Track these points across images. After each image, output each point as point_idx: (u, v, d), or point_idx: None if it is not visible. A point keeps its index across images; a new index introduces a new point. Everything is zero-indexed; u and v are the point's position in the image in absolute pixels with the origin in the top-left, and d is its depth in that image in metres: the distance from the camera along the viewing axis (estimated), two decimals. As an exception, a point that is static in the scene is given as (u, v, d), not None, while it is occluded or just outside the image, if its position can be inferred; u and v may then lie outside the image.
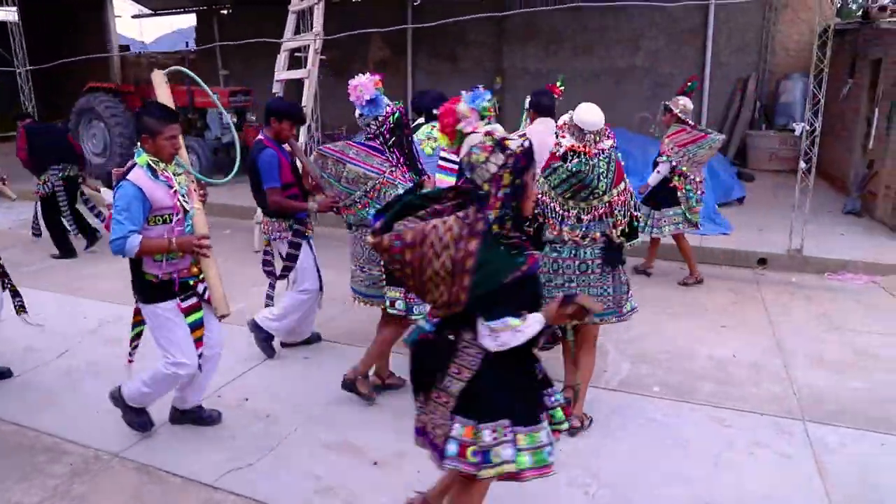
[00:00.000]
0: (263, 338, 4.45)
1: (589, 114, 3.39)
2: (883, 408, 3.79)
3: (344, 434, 3.54)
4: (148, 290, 3.21)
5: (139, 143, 3.14)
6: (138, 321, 3.40)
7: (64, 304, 5.57)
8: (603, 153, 3.40)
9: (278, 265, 4.39)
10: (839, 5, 14.68)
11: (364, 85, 3.60)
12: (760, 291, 5.93)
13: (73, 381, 4.19)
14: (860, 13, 9.83)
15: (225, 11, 16.01)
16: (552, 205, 3.45)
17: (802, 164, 6.53)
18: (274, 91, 7.57)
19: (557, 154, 3.43)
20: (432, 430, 2.32)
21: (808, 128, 6.50)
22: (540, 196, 3.41)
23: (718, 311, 5.41)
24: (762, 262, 6.65)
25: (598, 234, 3.41)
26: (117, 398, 3.49)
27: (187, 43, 15.44)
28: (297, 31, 7.81)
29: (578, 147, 3.38)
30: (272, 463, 3.30)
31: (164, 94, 3.36)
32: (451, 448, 2.24)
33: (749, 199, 9.00)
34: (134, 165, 3.11)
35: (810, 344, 4.74)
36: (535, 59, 13.00)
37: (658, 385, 4.09)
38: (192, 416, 3.64)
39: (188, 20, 18.35)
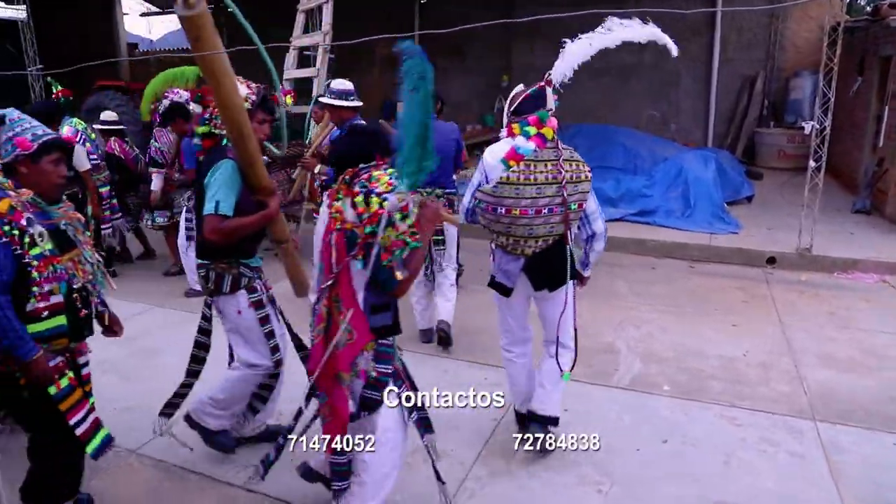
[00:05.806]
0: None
1: None
2: (893, 407, 3.80)
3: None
4: None
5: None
6: None
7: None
8: None
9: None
10: (849, 2, 14.60)
11: None
12: (770, 290, 5.93)
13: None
14: (870, 10, 9.80)
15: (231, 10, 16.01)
16: None
17: (812, 163, 6.52)
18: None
19: None
20: None
21: (817, 126, 6.49)
22: None
23: (728, 309, 5.41)
24: (771, 260, 6.65)
25: None
26: None
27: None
28: (305, 30, 7.85)
29: None
30: (285, 462, 3.30)
31: None
32: None
33: (757, 197, 8.99)
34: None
35: (820, 343, 4.74)
36: (543, 57, 12.98)
37: (668, 384, 4.11)
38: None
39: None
